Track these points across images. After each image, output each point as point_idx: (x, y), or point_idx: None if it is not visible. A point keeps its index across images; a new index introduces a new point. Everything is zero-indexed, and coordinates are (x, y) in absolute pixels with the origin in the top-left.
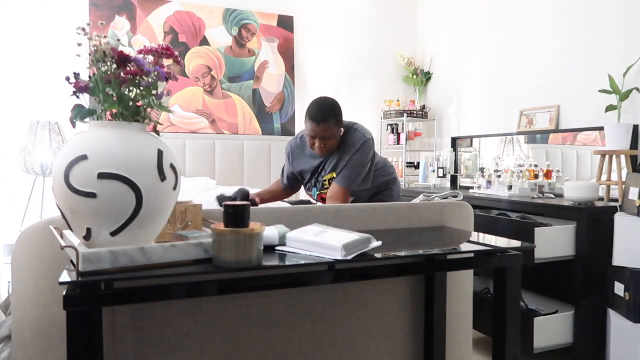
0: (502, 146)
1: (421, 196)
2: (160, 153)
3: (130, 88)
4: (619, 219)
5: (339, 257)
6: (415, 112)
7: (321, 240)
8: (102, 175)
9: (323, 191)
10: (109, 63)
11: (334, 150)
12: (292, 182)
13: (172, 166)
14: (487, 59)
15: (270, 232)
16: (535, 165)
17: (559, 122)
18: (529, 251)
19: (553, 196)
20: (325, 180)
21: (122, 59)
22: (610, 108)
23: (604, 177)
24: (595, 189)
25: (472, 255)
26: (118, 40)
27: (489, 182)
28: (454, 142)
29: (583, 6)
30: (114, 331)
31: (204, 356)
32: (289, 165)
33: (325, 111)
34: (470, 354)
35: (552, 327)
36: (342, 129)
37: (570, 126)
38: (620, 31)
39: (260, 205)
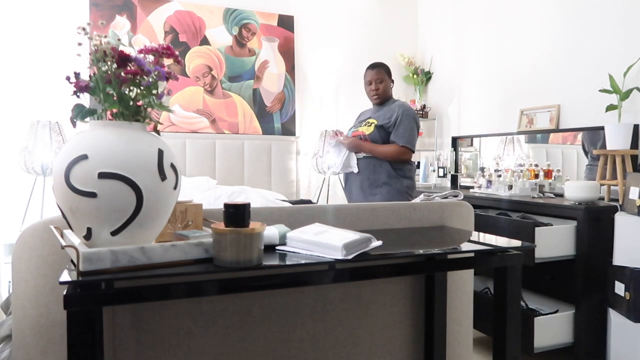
0: (503, 146)
1: (422, 196)
2: (160, 153)
3: (131, 88)
4: (620, 218)
5: (340, 257)
6: (415, 111)
7: (322, 240)
8: (102, 175)
9: (359, 128)
10: (109, 63)
11: (382, 107)
12: None
13: (172, 166)
14: (487, 59)
15: (271, 232)
16: (536, 165)
17: (560, 121)
18: (529, 251)
19: (553, 196)
20: (364, 121)
21: (123, 59)
22: (610, 108)
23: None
24: (596, 189)
25: (472, 255)
26: (118, 40)
27: (489, 181)
28: (455, 141)
29: (583, 6)
30: (115, 331)
31: (204, 356)
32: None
33: (378, 62)
34: (471, 354)
35: (553, 327)
36: (392, 83)
37: (571, 126)
38: (620, 31)
39: (261, 205)
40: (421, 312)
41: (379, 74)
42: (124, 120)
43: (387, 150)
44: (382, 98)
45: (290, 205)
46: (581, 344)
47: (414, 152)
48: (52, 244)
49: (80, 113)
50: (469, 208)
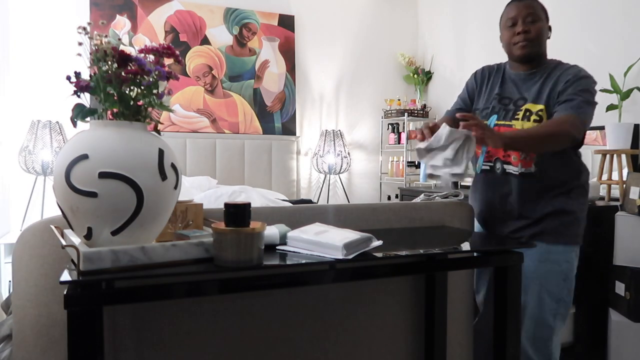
0: None
1: (422, 195)
2: (161, 152)
3: (131, 87)
4: (620, 218)
5: (340, 257)
6: (416, 111)
7: (322, 240)
8: (103, 175)
9: (507, 122)
10: (110, 62)
11: (541, 73)
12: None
13: (173, 165)
14: (487, 58)
15: (271, 232)
16: None
17: None
18: None
19: None
20: (521, 110)
21: (123, 59)
22: (611, 107)
23: (604, 177)
24: (596, 189)
25: (472, 254)
26: (119, 39)
27: None
28: None
29: (584, 5)
30: (115, 331)
31: (204, 356)
32: (468, 89)
33: None
34: (471, 354)
35: None
36: (549, 31)
37: None
38: (620, 31)
39: (261, 205)
40: (421, 311)
41: (528, 7)
42: (125, 120)
43: (557, 124)
44: (533, 49)
45: (290, 205)
46: (581, 344)
47: (584, 133)
48: (53, 243)
49: (80, 113)
50: (470, 208)
